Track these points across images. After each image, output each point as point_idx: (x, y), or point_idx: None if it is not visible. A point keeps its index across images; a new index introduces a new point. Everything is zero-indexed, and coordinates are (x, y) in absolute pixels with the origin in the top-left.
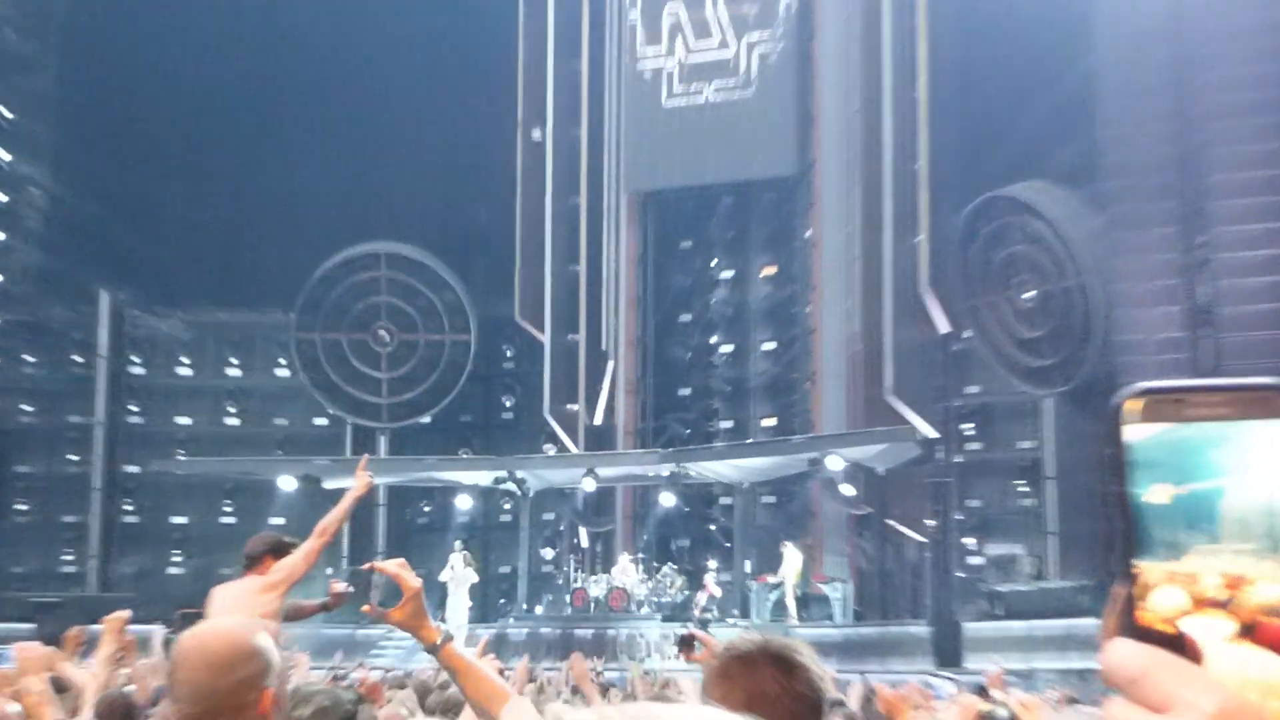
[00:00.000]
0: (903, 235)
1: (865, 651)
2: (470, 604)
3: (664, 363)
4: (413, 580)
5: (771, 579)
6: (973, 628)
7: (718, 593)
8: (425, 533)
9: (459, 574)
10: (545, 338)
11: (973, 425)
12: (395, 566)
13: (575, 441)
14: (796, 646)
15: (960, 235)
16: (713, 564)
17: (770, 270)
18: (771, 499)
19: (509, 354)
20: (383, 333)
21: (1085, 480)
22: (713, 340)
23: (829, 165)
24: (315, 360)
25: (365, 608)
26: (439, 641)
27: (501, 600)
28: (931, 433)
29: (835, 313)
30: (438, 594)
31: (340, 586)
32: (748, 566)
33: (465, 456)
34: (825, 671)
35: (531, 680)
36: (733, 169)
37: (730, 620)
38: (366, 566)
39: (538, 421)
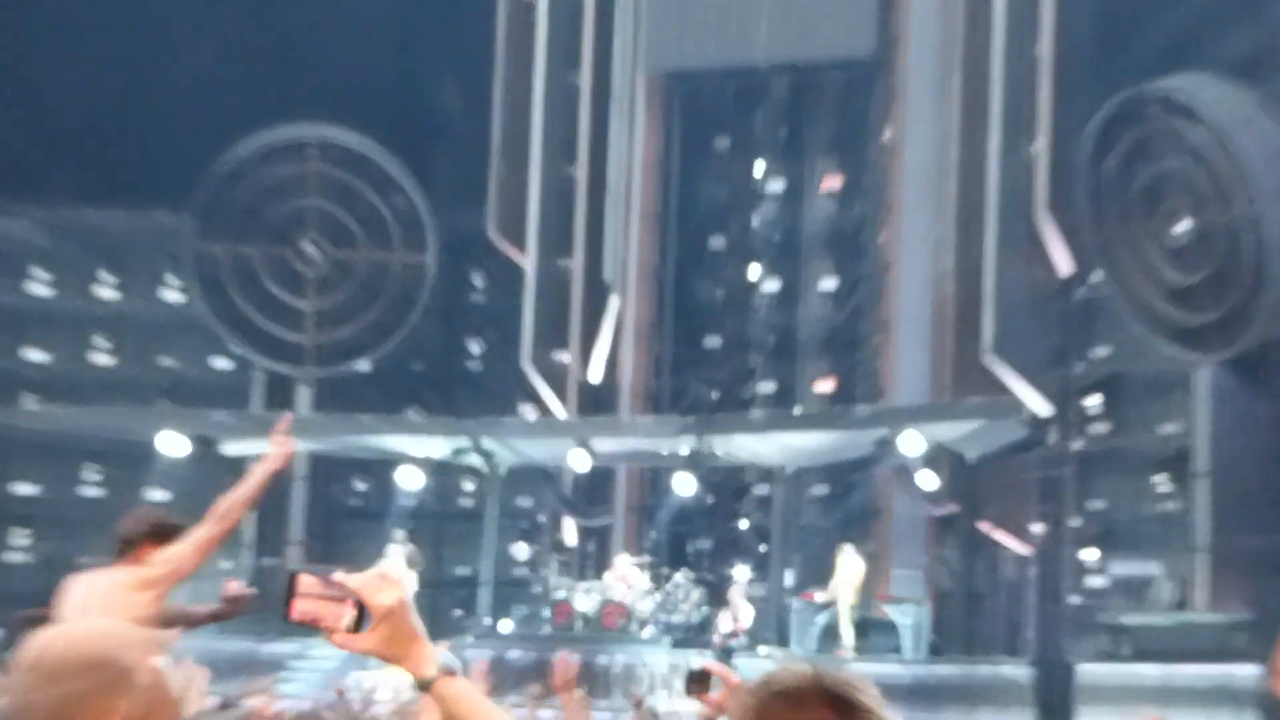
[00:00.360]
0: (1015, 142)
1: (944, 698)
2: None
3: (687, 302)
4: (383, 595)
5: (820, 596)
6: (1089, 671)
7: (746, 616)
8: (357, 519)
9: (400, 576)
10: (528, 262)
11: (1099, 400)
12: (365, 580)
13: (564, 403)
14: (857, 683)
15: (1092, 144)
16: (742, 574)
17: (834, 182)
18: (824, 490)
19: (478, 283)
20: (309, 248)
21: (1250, 479)
22: (754, 274)
23: (918, 44)
24: (216, 281)
25: (330, 634)
26: (431, 675)
27: (457, 612)
28: (1043, 408)
29: (920, 243)
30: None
31: (238, 588)
32: (789, 578)
33: (415, 418)
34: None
35: None
36: (788, 46)
37: (763, 649)
38: (337, 581)
39: (514, 375)
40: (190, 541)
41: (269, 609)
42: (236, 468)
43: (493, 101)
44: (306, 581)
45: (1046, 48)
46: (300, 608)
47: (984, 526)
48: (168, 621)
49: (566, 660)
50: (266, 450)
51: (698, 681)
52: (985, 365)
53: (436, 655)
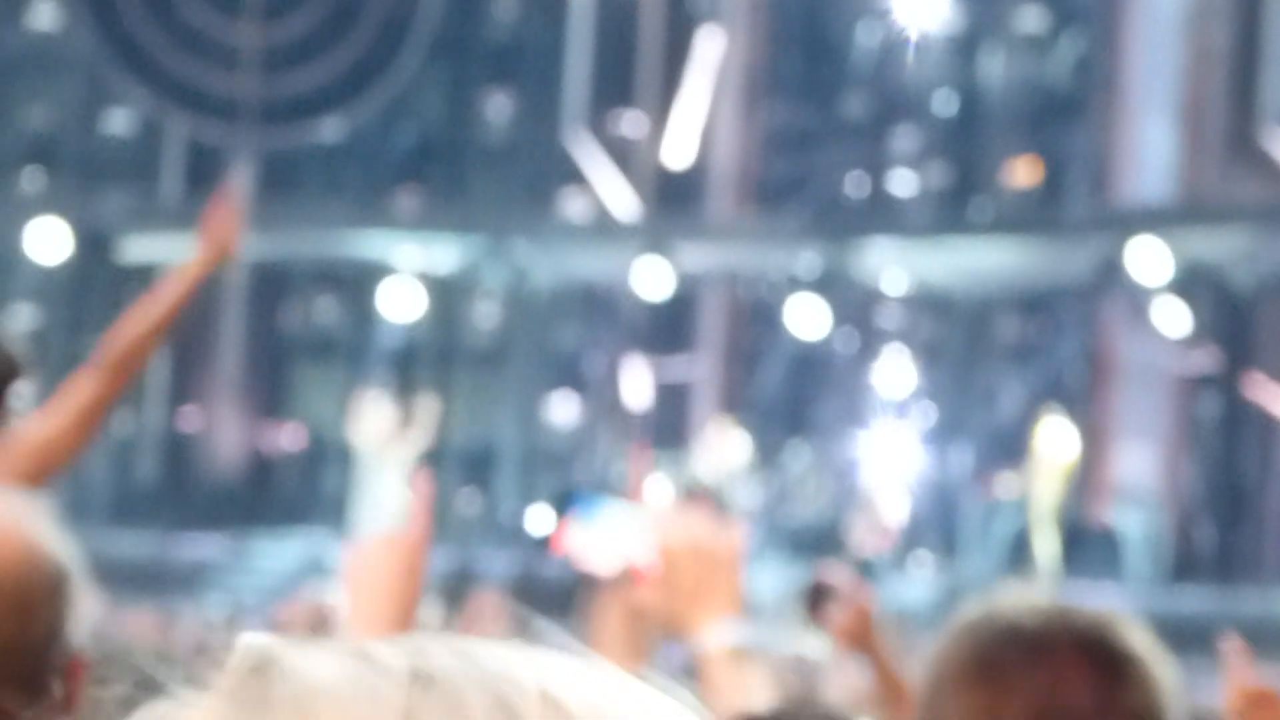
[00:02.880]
0: None
1: (1190, 642)
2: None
3: (818, 44)
4: (673, 530)
5: (1009, 488)
6: None
7: (896, 515)
8: (319, 359)
9: (380, 441)
10: None
11: None
12: (656, 510)
13: (634, 193)
14: (1123, 626)
15: None
16: (891, 452)
17: None
18: (1017, 331)
19: (501, 9)
20: None
21: None
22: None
23: None
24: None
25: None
26: (714, 647)
27: (464, 500)
28: None
29: None
30: (336, 481)
31: None
32: (962, 461)
33: (408, 211)
34: (1177, 679)
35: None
36: None
37: (918, 563)
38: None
39: (555, 150)
40: (71, 403)
41: (183, 494)
42: (141, 279)
43: None
44: (587, 500)
45: None
46: (574, 538)
47: (1258, 390)
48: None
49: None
50: (187, 253)
51: (817, 600)
52: (1265, 146)
53: (731, 626)
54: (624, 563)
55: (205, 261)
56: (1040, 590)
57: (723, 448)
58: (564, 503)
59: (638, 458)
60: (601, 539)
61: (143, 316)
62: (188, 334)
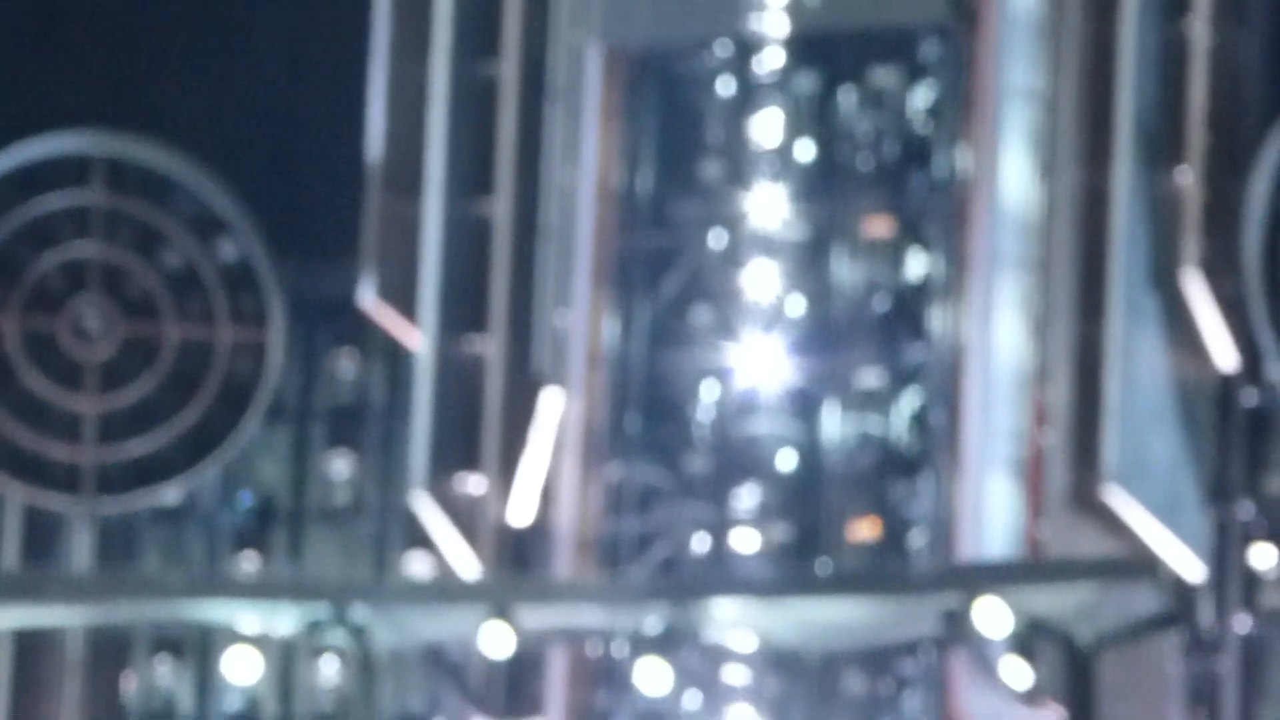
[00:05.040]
0: (1155, 166)
1: None
2: None
3: (660, 404)
4: None
5: None
6: None
7: None
8: None
9: None
10: (422, 343)
11: (1278, 557)
12: None
13: (476, 553)
14: None
15: (1275, 174)
16: None
17: (881, 225)
18: (863, 687)
19: (345, 374)
20: (88, 320)
21: None
22: (760, 364)
23: (1010, 10)
24: None
25: None
26: None
27: None
28: (1192, 568)
29: (1007, 317)
30: None
31: None
32: None
33: (249, 576)
34: None
35: None
36: (830, 9)
37: None
38: None
39: (398, 511)
40: None
41: None
42: None
43: (368, 95)
44: None
45: (1200, 22)
46: None
47: None
48: None
49: None
50: (23, 622)
51: None
52: (1104, 502)
53: None
54: None
55: None
56: None
57: None
58: None
59: None
60: None
61: None
62: (27, 705)
